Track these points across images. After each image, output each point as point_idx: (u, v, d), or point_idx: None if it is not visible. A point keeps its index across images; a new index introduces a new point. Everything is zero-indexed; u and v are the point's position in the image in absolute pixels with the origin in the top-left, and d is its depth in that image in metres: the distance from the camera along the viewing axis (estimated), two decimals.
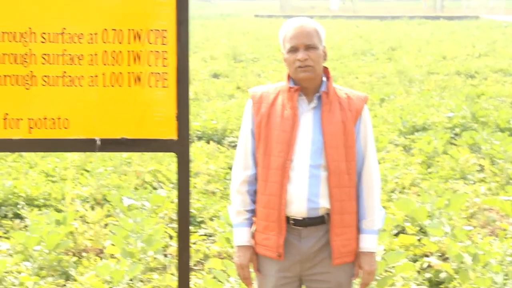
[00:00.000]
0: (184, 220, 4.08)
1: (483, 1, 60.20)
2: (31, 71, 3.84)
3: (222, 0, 64.49)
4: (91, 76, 3.86)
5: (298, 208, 4.09)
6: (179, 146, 3.96)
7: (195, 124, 12.68)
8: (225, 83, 18.71)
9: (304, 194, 4.07)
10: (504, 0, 59.49)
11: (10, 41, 3.83)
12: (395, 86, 17.47)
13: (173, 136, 3.93)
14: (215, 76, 20.30)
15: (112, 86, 3.87)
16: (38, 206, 8.59)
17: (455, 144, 11.31)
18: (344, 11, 56.02)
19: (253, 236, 4.26)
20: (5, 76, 3.83)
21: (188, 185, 4.03)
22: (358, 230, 4.19)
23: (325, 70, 4.18)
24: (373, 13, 51.61)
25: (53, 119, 3.87)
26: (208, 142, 11.87)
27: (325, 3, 62.03)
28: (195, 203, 8.60)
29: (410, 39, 30.86)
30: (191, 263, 7.03)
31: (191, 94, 16.54)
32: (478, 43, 29.11)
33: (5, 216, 8.32)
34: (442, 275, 6.50)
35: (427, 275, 6.60)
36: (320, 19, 34.32)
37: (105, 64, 3.86)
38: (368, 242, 4.18)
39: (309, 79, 4.08)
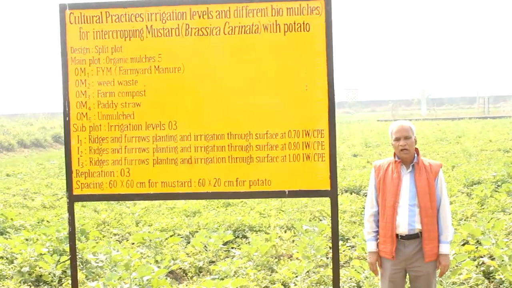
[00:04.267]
0: (336, 237, 4.07)
1: None
2: (250, 155, 3.96)
3: (359, 113, 63.99)
4: (282, 156, 3.95)
5: (402, 229, 4.07)
6: (331, 194, 3.96)
7: (343, 183, 12.61)
8: (360, 159, 18.45)
9: (406, 221, 4.05)
10: None
11: (238, 139, 3.97)
12: (460, 159, 16.70)
13: (328, 187, 3.95)
14: (355, 155, 20.06)
15: (293, 161, 3.95)
16: (255, 231, 8.73)
17: (498, 191, 10.74)
18: (430, 115, 54.11)
19: (377, 245, 4.24)
20: (236, 157, 3.97)
21: (337, 216, 4.01)
22: (438, 241, 4.09)
23: (416, 150, 4.16)
24: (447, 116, 49.60)
25: (262, 180, 3.98)
26: (351, 193, 11.76)
27: (418, 111, 60.22)
28: (344, 227, 8.52)
29: (470, 130, 29.39)
30: (341, 262, 6.99)
31: (341, 166, 16.46)
32: None
33: (238, 237, 8.53)
34: (491, 269, 6.27)
35: (481, 268, 6.41)
36: (415, 121, 33.39)
37: (289, 149, 3.95)
38: (444, 249, 4.09)
39: (407, 157, 4.09)
